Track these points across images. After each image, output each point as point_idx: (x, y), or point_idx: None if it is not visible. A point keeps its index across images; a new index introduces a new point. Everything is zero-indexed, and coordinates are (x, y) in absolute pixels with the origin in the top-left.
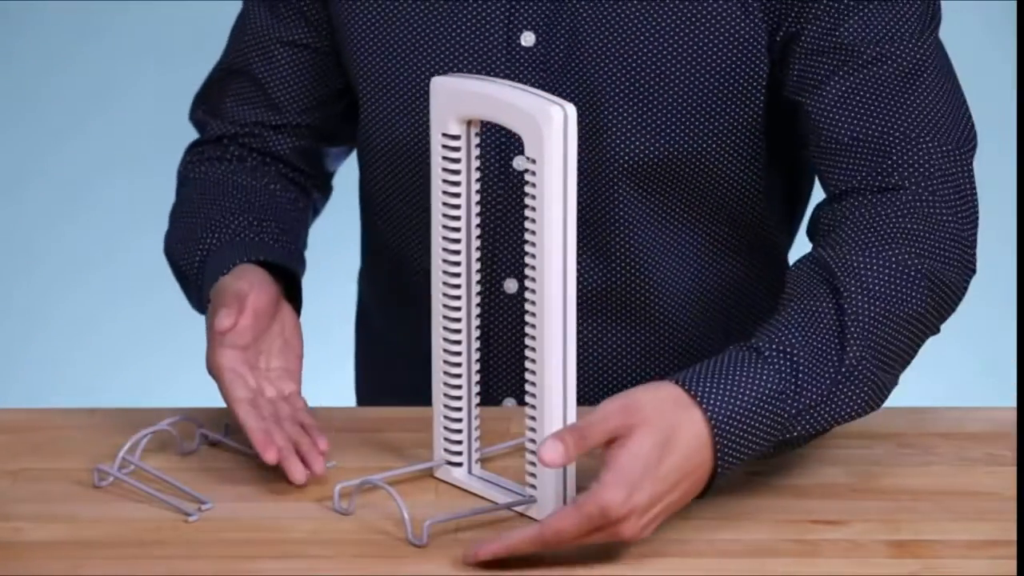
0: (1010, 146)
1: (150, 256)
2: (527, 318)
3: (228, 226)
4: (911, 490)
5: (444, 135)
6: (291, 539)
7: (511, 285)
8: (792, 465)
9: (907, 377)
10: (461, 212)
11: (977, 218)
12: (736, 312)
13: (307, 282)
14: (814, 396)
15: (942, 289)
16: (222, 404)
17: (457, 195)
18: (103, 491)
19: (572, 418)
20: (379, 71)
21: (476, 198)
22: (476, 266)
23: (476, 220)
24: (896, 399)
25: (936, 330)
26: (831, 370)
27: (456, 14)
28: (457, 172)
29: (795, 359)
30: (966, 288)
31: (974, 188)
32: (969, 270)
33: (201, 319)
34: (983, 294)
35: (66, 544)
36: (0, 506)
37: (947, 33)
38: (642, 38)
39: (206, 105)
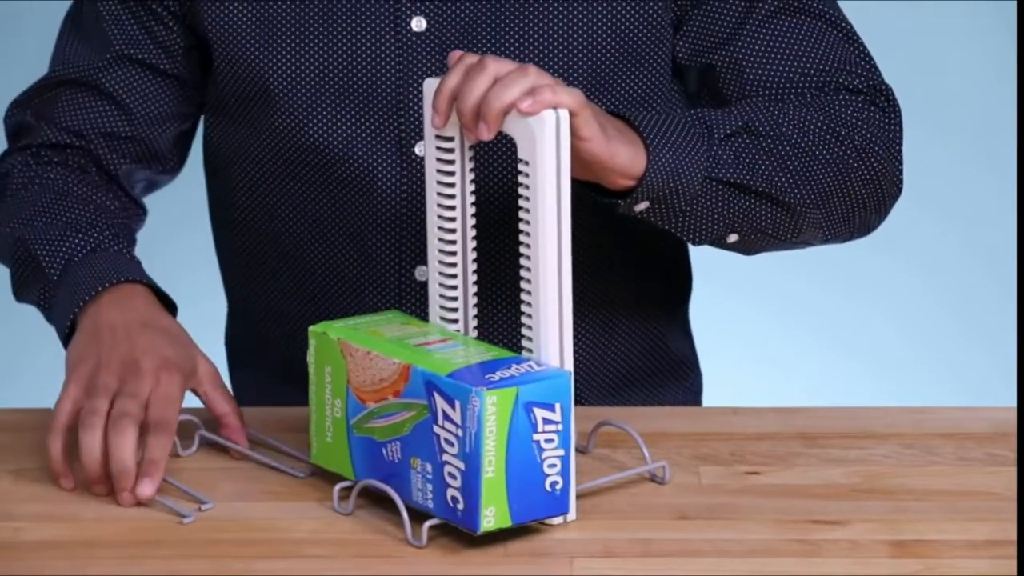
0: (1010, 146)
1: (148, 255)
2: (523, 319)
3: (92, 234)
4: (911, 490)
5: (438, 136)
6: (291, 539)
7: (422, 272)
8: (792, 465)
9: (909, 377)
10: (456, 214)
11: (902, 127)
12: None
13: None
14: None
15: (857, 149)
16: None
17: (452, 196)
18: None
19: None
20: (269, 69)
21: (471, 199)
22: (472, 267)
23: (472, 221)
24: (897, 399)
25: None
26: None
27: (341, 2)
28: (452, 174)
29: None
30: (893, 174)
31: (899, 110)
32: (895, 147)
33: (205, 314)
34: (985, 294)
35: (66, 544)
36: (0, 506)
37: (948, 32)
38: (541, 22)
39: (32, 110)
